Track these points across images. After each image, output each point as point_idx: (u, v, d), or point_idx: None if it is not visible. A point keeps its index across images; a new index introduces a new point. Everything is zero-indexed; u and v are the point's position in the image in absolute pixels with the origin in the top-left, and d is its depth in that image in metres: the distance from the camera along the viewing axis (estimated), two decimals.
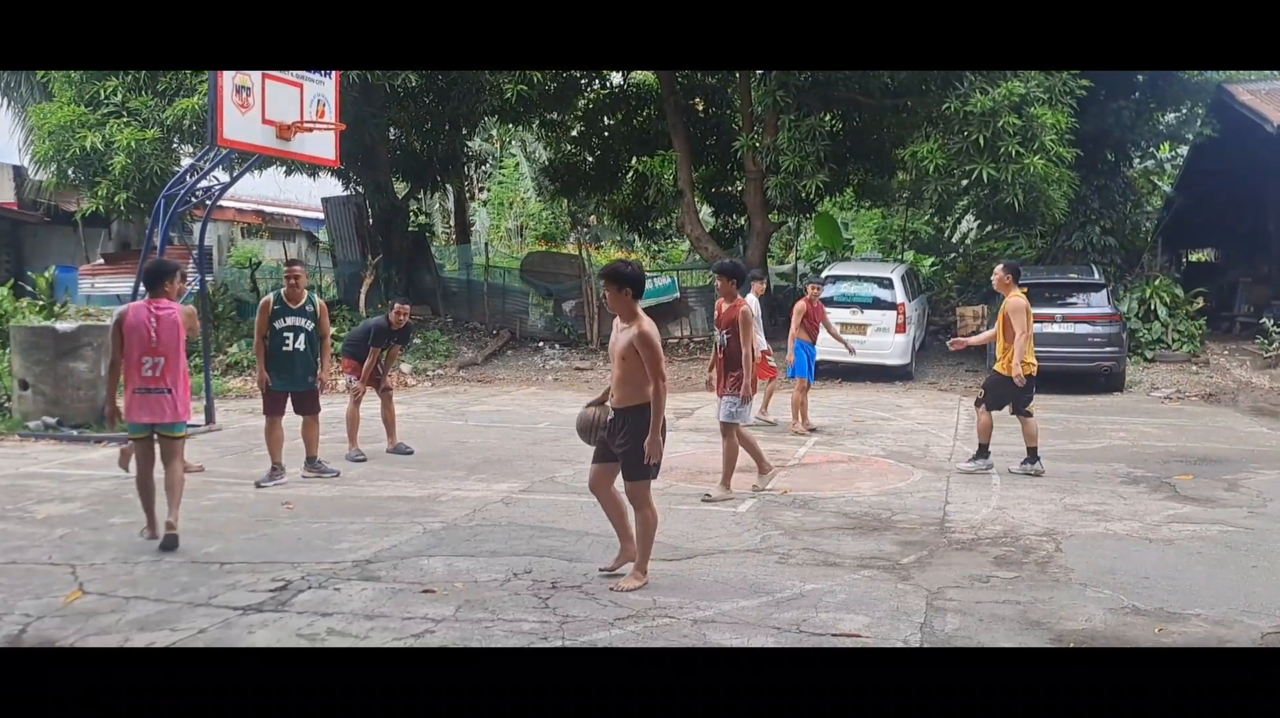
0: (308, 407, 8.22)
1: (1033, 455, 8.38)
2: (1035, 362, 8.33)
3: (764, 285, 11.92)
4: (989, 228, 21.30)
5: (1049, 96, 14.28)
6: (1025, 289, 8.74)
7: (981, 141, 13.95)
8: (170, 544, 5.87)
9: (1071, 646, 4.48)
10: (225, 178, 11.79)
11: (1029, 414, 8.34)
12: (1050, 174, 14.15)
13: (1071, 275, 15.21)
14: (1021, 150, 13.85)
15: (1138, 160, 21.20)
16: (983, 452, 8.50)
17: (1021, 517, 6.91)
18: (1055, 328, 13.77)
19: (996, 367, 8.45)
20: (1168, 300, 16.60)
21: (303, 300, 8.14)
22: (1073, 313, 14.07)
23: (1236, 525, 6.67)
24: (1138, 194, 20.33)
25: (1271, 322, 15.92)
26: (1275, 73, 19.15)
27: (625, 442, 5.24)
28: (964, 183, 15.35)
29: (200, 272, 12.66)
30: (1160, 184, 24.22)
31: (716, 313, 7.93)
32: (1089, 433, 10.61)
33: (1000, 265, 8.84)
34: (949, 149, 14.34)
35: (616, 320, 5.36)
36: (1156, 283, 16.94)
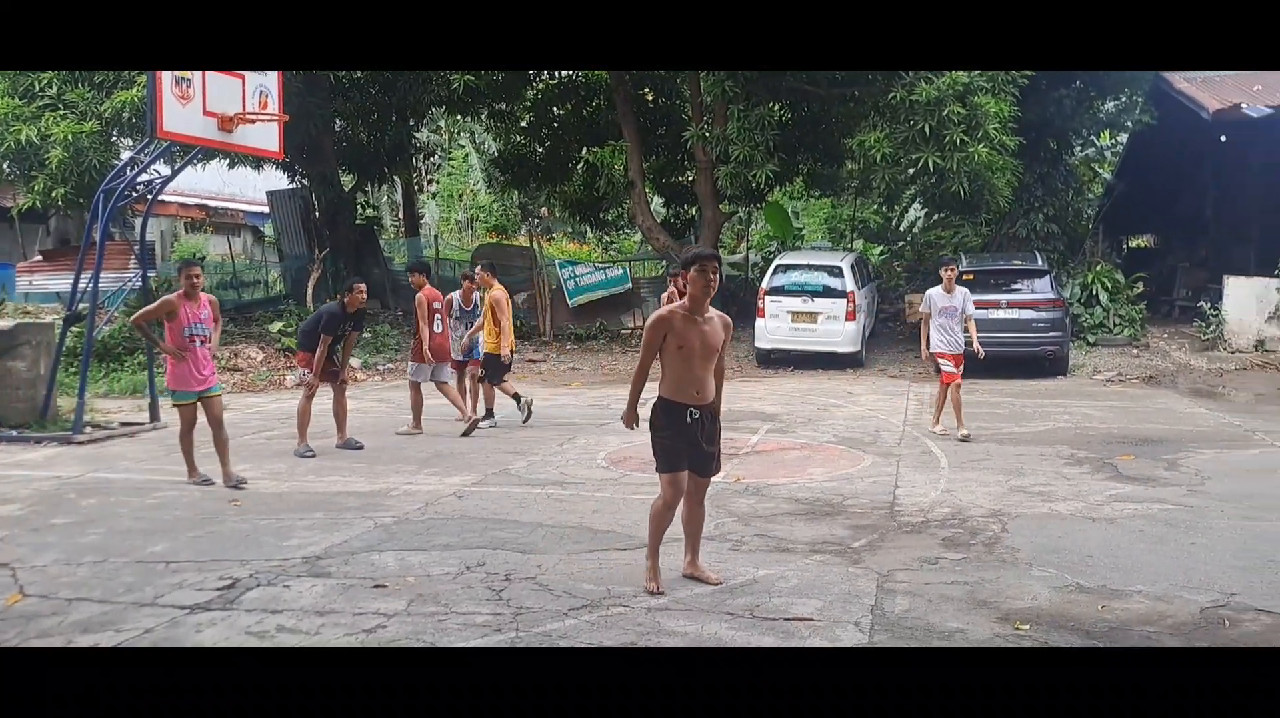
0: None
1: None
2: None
3: None
4: (936, 216, 21.58)
5: (992, 86, 14.48)
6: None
7: (927, 131, 14.11)
8: None
9: (1018, 624, 4.57)
10: (166, 171, 11.58)
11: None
12: (994, 162, 14.36)
13: (1016, 262, 15.47)
14: (966, 139, 14.04)
15: (1079, 148, 21.59)
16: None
17: (969, 499, 7.03)
18: (1000, 313, 14.00)
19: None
20: (1109, 286, 16.95)
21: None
22: (1017, 299, 14.31)
23: (1176, 504, 6.84)
24: (1079, 181, 20.70)
25: (1209, 305, 16.32)
26: None
27: (716, 439, 5.13)
28: (910, 172, 15.53)
29: (142, 268, 12.41)
30: (1101, 171, 24.70)
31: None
32: (1034, 416, 10.81)
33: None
34: (895, 138, 14.48)
35: (681, 313, 4.94)
36: (1098, 269, 17.29)
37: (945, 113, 13.93)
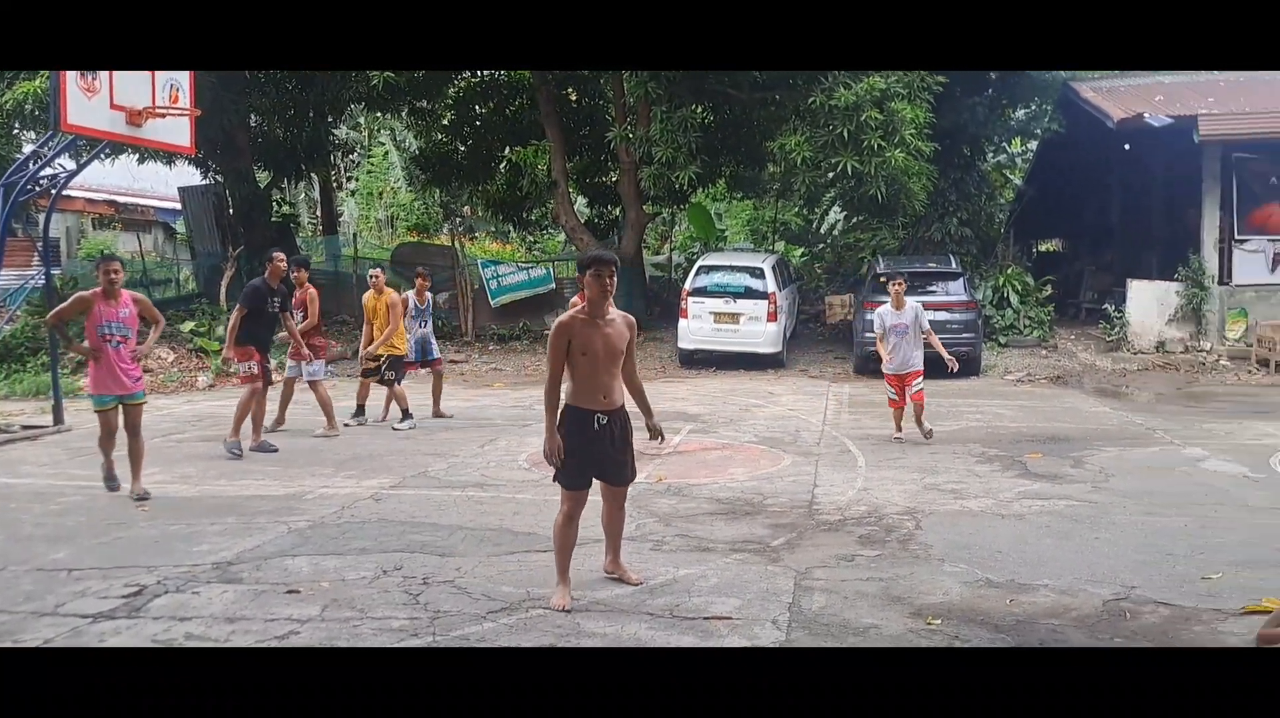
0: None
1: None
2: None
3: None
4: (855, 219, 21.96)
5: (908, 92, 14.78)
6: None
7: (846, 135, 14.35)
8: None
9: (930, 619, 4.67)
10: (72, 165, 11.16)
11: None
12: (910, 167, 14.66)
13: (931, 264, 15.83)
14: (883, 144, 14.31)
15: (991, 155, 22.21)
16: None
17: (885, 497, 7.17)
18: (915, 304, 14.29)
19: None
20: (1019, 288, 17.44)
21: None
22: (932, 300, 14.59)
23: (1081, 500, 7.07)
24: (992, 187, 21.27)
25: (1113, 308, 16.91)
26: (1115, 70, 20.34)
27: (630, 441, 5.01)
28: (830, 175, 15.79)
29: (46, 265, 11.96)
30: (1012, 177, 25.42)
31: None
32: (947, 415, 11.07)
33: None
34: (815, 142, 14.70)
35: (581, 317, 4.84)
36: (1009, 272, 17.78)
37: (863, 118, 14.19)
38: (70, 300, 7.30)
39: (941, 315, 14.42)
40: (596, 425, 4.84)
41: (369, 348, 10.32)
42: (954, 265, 15.67)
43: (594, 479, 4.97)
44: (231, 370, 8.88)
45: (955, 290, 14.82)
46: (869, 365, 14.79)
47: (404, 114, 22.67)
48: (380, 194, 32.73)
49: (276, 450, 8.85)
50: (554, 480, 4.96)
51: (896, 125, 14.39)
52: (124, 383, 7.08)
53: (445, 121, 22.39)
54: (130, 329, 7.15)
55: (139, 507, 6.85)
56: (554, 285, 19.14)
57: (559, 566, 4.95)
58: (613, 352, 4.84)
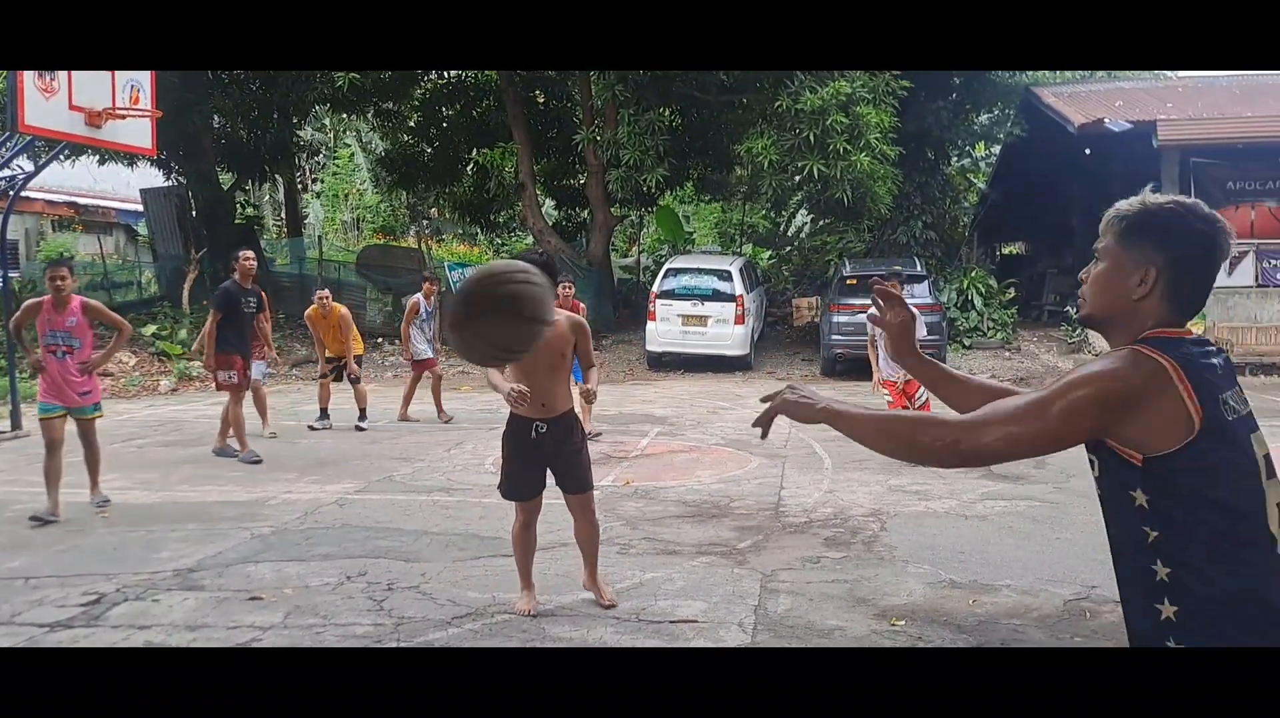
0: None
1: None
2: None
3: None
4: (821, 222, 22.12)
5: (873, 97, 14.91)
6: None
7: (812, 139, 14.44)
8: None
9: (894, 620, 4.71)
10: (30, 167, 10.99)
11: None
12: (875, 171, 14.79)
13: (896, 267, 15.95)
14: (849, 148, 14.42)
15: (955, 158, 22.43)
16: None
17: (850, 499, 7.21)
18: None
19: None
20: (983, 291, 17.64)
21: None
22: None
23: (1043, 500, 7.16)
24: (956, 191, 21.53)
25: (1075, 310, 17.15)
26: (1077, 75, 20.64)
27: (579, 448, 4.76)
28: (797, 178, 15.90)
29: (3, 268, 11.74)
30: (976, 181, 25.71)
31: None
32: None
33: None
34: (782, 145, 14.78)
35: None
36: (973, 274, 17.98)
37: (829, 122, 14.29)
38: (21, 308, 6.97)
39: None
40: (534, 434, 4.63)
41: (326, 358, 10.54)
42: (919, 268, 15.82)
43: (543, 487, 4.79)
44: (221, 380, 8.74)
45: (920, 293, 14.95)
46: (836, 367, 14.89)
47: (370, 116, 22.52)
48: (346, 196, 32.47)
49: (236, 456, 8.71)
50: (500, 493, 4.81)
51: (862, 129, 14.51)
52: (71, 396, 6.66)
53: (411, 123, 22.29)
54: (79, 339, 6.69)
55: (99, 513, 6.75)
56: None
57: (520, 571, 4.90)
58: (553, 356, 4.57)
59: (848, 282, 15.01)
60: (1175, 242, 1.78)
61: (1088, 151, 19.46)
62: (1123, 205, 1.86)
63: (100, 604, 4.89)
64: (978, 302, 17.49)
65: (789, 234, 25.56)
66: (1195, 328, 11.97)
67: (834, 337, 14.62)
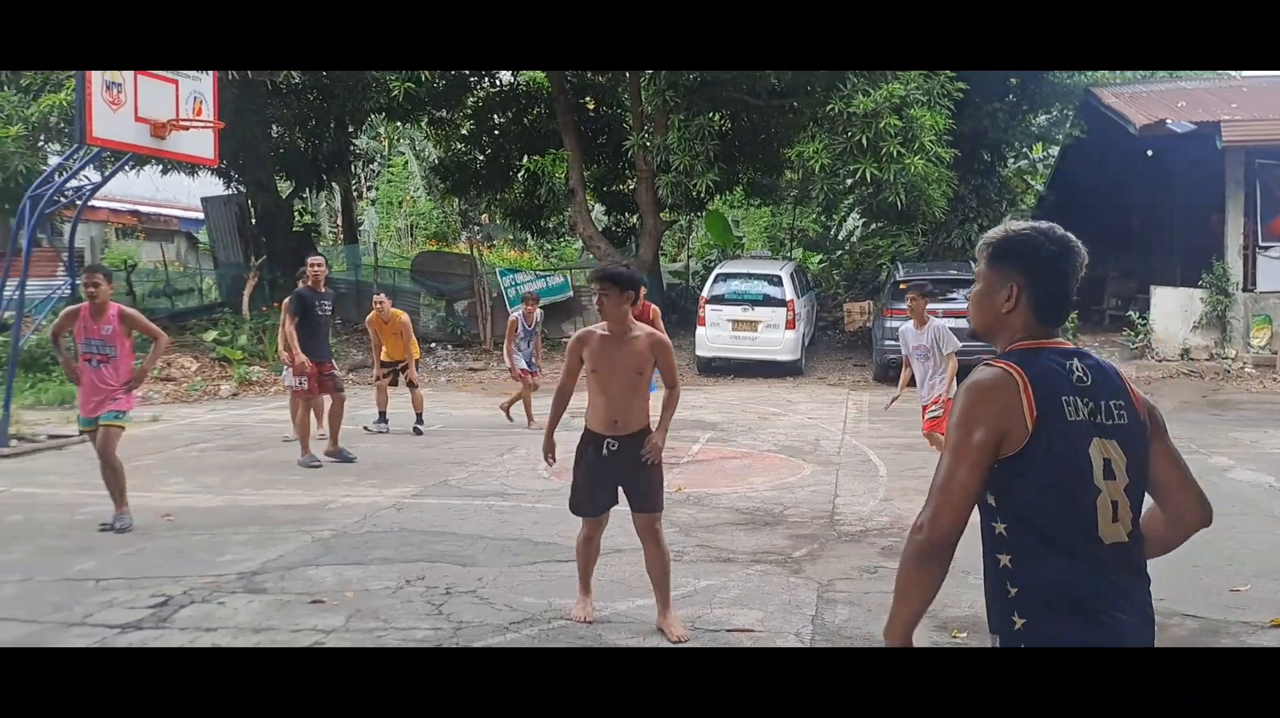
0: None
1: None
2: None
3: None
4: (873, 226, 21.93)
5: (928, 99, 14.75)
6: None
7: (864, 142, 14.33)
8: None
9: (955, 632, 4.65)
10: (96, 177, 11.28)
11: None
12: (930, 174, 14.62)
13: (952, 271, 15.76)
14: (902, 150, 14.28)
15: (1012, 160, 22.11)
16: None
17: (907, 507, 7.13)
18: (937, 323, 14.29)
19: None
20: None
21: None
22: (954, 308, 14.54)
23: None
24: (1013, 193, 21.18)
25: (1137, 314, 16.79)
26: (1138, 75, 20.24)
27: (651, 466, 4.57)
28: (849, 182, 15.77)
29: (70, 275, 12.08)
30: (1033, 183, 25.28)
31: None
32: None
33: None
34: (833, 149, 14.68)
35: (603, 334, 4.53)
36: None
37: (882, 124, 14.16)
38: (60, 315, 6.87)
39: (964, 323, 14.39)
40: (605, 451, 4.53)
41: (383, 363, 10.68)
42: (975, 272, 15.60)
43: (612, 504, 4.69)
44: (287, 384, 8.89)
45: None
46: (889, 373, 14.73)
47: (424, 124, 22.81)
48: (400, 203, 32.89)
49: (320, 465, 8.72)
50: (569, 507, 4.79)
51: (915, 132, 14.36)
52: (91, 403, 6.50)
53: (464, 131, 22.52)
54: (114, 347, 6.49)
55: (165, 517, 6.88)
56: (571, 293, 19.19)
57: (580, 577, 4.89)
58: (627, 373, 4.48)
59: (901, 286, 14.85)
60: (1032, 262, 2.10)
61: (1149, 153, 19.02)
62: (989, 234, 2.20)
63: (168, 607, 5.01)
64: None
65: (840, 238, 25.38)
66: (1261, 332, 11.45)
67: (887, 342, 14.46)
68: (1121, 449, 2.02)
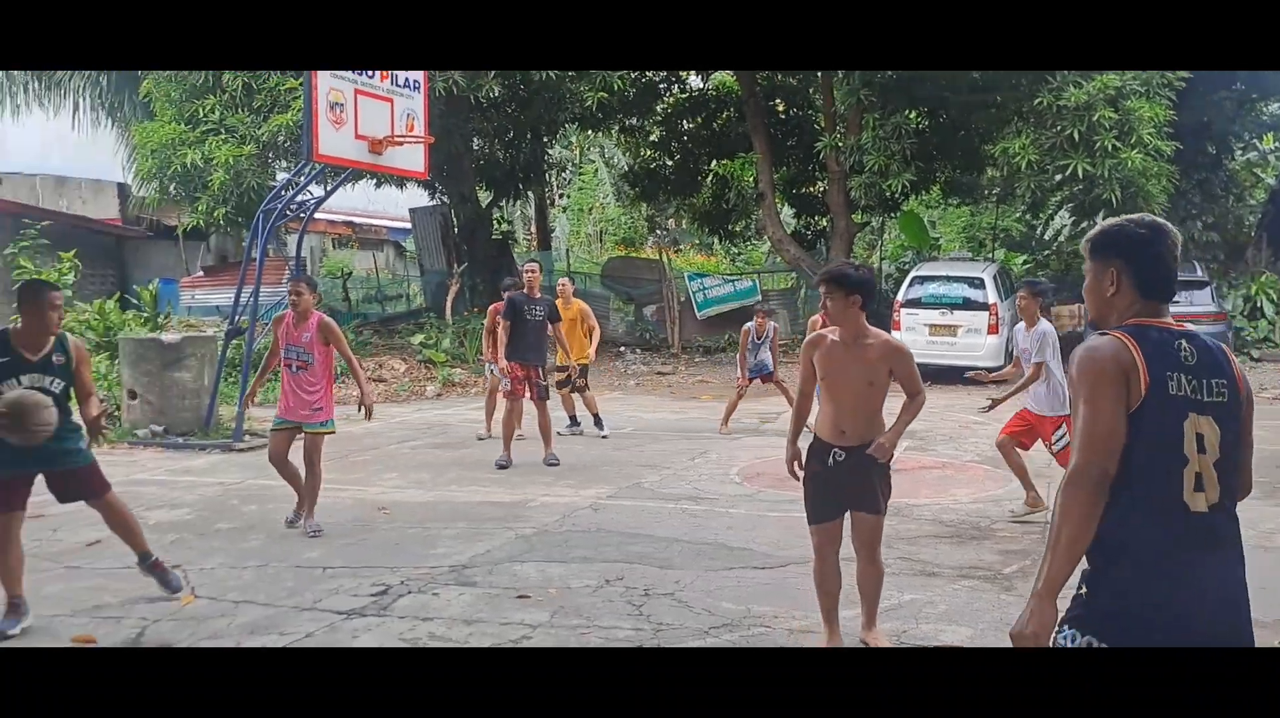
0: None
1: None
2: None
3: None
4: (1084, 224, 20.73)
5: (1146, 89, 13.86)
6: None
7: (1076, 136, 13.59)
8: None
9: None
10: (319, 192, 12.11)
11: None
12: (1148, 168, 13.72)
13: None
14: (1118, 144, 13.47)
15: (1240, 152, 20.42)
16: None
17: None
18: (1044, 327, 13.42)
19: None
20: (1275, 297, 15.94)
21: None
22: (1175, 312, 13.54)
23: None
24: (1241, 187, 19.57)
25: None
26: None
27: (878, 476, 4.36)
28: (1058, 178, 15.00)
29: None
30: (1264, 176, 23.25)
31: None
32: None
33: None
34: (1042, 144, 14.01)
35: (834, 340, 4.31)
36: (1262, 279, 16.30)
37: (1095, 117, 13.40)
38: (274, 321, 7.24)
39: (1186, 328, 13.44)
40: (832, 461, 4.30)
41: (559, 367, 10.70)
42: (1199, 273, 14.52)
43: (842, 514, 4.41)
44: (498, 385, 9.29)
45: (1201, 300, 13.73)
46: None
47: (614, 132, 23.29)
48: (590, 210, 33.75)
49: (558, 463, 8.94)
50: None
51: (1133, 125, 13.52)
52: (298, 412, 6.64)
53: (653, 138, 22.85)
54: (311, 354, 6.61)
55: (382, 510, 7.30)
56: (759, 297, 19.09)
57: (823, 614, 4.48)
58: (857, 381, 4.25)
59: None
60: (1126, 247, 2.37)
61: None
62: (1089, 233, 2.49)
63: (387, 596, 5.30)
64: (1268, 309, 15.82)
65: (1046, 238, 24.15)
66: None
67: None
68: (1216, 425, 2.25)
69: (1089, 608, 2.26)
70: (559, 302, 10.58)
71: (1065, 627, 2.29)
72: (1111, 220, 2.45)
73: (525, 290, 9.14)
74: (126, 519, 5.17)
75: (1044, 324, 6.98)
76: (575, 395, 10.78)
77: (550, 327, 9.25)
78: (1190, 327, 2.38)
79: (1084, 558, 2.24)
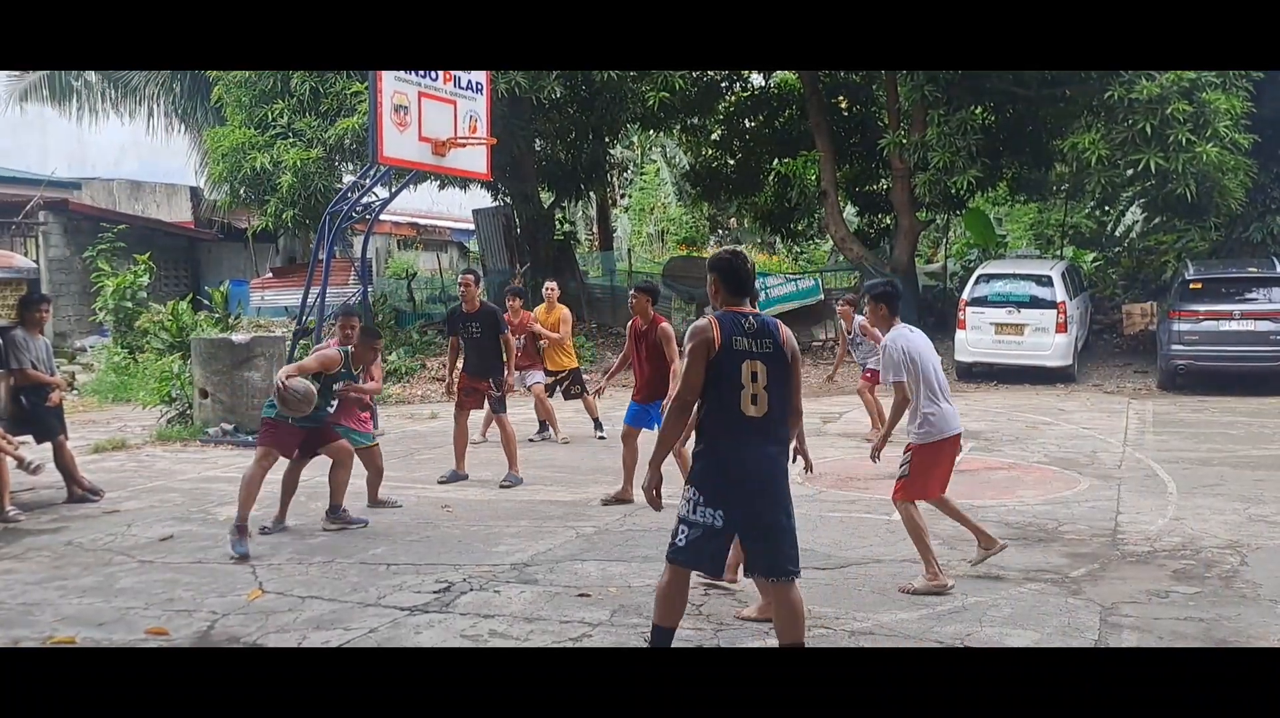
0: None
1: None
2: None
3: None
4: (1156, 220, 20.17)
5: (1222, 81, 13.43)
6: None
7: (1148, 130, 13.22)
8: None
9: None
10: (384, 194, 12.30)
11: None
12: (1225, 162, 13.29)
13: (1251, 269, 14.23)
14: (1193, 138, 13.07)
15: None
16: None
17: (1201, 528, 6.49)
18: (1233, 325, 12.98)
19: None
20: None
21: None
22: (1252, 309, 13.17)
23: None
24: None
25: None
26: None
27: None
28: (1129, 173, 14.61)
29: (363, 283, 13.24)
30: None
31: None
32: (1274, 437, 9.89)
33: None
34: (1113, 139, 13.66)
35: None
36: None
37: (1169, 110, 13.02)
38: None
39: (1265, 325, 13.00)
40: None
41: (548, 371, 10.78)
42: (1278, 269, 14.00)
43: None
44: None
45: (1279, 299, 13.26)
46: (1176, 380, 13.51)
47: (676, 131, 23.24)
48: (651, 209, 33.77)
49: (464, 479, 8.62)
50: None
51: (1208, 118, 13.10)
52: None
53: (715, 137, 22.76)
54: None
55: (445, 508, 7.38)
56: (822, 296, 18.91)
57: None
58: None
59: (1191, 286, 13.57)
60: (717, 266, 4.01)
61: None
62: (709, 259, 4.10)
63: (450, 592, 5.36)
64: None
65: (1117, 234, 23.54)
66: None
67: (1175, 346, 13.27)
68: (765, 365, 3.81)
69: (694, 471, 3.91)
70: (543, 307, 10.67)
71: (687, 485, 3.95)
72: (715, 252, 4.11)
73: (463, 305, 8.67)
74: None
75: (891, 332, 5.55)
76: (595, 400, 10.76)
77: (501, 337, 8.60)
78: (758, 310, 4.05)
79: (693, 441, 3.95)
